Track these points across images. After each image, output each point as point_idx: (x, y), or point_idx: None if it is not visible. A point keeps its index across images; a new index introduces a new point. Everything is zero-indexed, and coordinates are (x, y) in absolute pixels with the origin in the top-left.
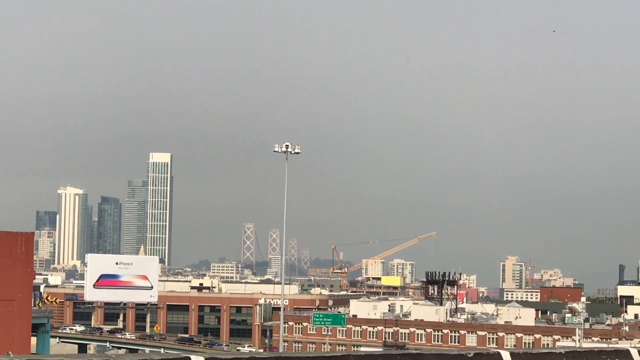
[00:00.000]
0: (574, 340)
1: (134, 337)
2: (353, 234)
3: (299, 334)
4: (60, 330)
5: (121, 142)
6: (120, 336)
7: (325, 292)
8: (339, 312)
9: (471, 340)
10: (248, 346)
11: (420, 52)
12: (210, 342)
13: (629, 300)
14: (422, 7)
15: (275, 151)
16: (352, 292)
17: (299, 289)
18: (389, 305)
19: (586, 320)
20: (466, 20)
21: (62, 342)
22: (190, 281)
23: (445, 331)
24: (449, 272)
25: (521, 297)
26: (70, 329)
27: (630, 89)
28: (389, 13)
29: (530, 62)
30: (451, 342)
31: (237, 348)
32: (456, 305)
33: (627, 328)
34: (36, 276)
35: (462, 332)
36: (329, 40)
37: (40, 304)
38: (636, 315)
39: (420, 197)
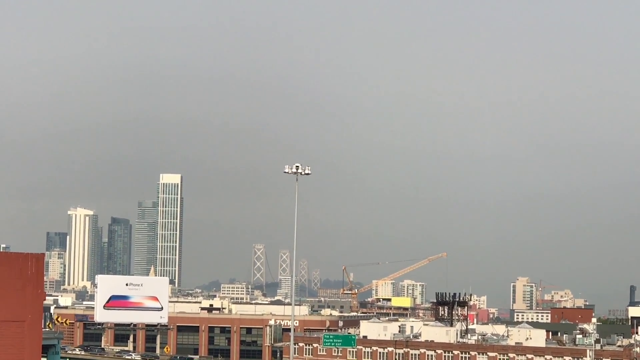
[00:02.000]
0: None
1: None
2: (363, 255)
3: (309, 355)
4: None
5: (131, 163)
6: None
7: (336, 313)
8: (349, 333)
9: None
10: None
11: (430, 75)
12: None
13: None
14: (429, 32)
15: (285, 172)
16: (362, 313)
17: (309, 310)
18: (399, 326)
19: (597, 341)
20: (472, 44)
21: None
22: (200, 302)
23: (455, 352)
24: (459, 293)
25: (532, 318)
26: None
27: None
28: (398, 38)
29: (538, 79)
30: None
31: None
32: (467, 326)
33: (638, 349)
34: (46, 297)
35: (472, 353)
36: (341, 63)
37: (50, 325)
38: None
39: (430, 218)
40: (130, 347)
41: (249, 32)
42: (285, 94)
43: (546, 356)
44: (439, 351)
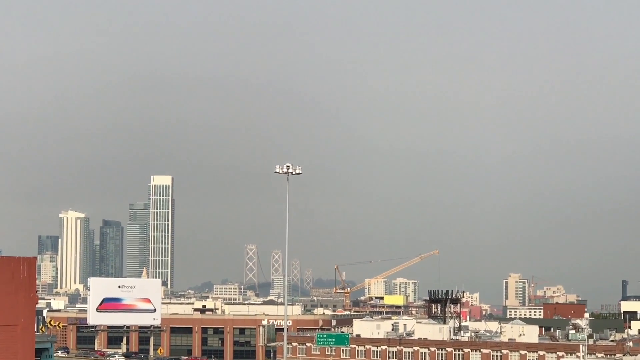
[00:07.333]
0: (578, 357)
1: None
2: (355, 253)
3: (302, 354)
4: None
5: (122, 165)
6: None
7: (329, 312)
8: (342, 332)
9: (475, 359)
10: None
11: (424, 75)
12: None
13: (633, 315)
14: (427, 32)
15: (276, 172)
16: (355, 311)
17: (302, 310)
18: (392, 325)
19: (590, 336)
20: (469, 45)
21: None
22: (193, 303)
23: (449, 349)
24: (452, 290)
25: (524, 314)
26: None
27: (633, 109)
28: (395, 37)
29: (529, 78)
30: None
31: None
32: (459, 323)
33: (631, 344)
34: (39, 301)
35: (466, 350)
36: (331, 64)
37: (43, 329)
38: None
39: (422, 215)
40: (123, 349)
41: (238, 35)
42: (275, 95)
43: (539, 352)
44: (432, 349)
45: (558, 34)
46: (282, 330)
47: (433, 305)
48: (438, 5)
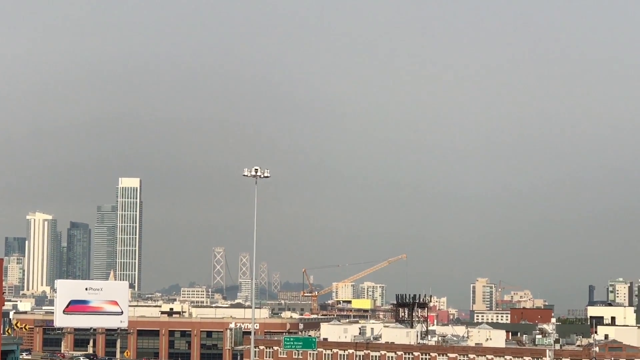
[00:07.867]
0: None
1: None
2: (323, 257)
3: (269, 358)
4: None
5: (90, 167)
6: None
7: (296, 315)
8: (309, 335)
9: None
10: None
11: (398, 77)
12: None
13: (599, 320)
14: (407, 32)
15: (244, 175)
16: (322, 315)
17: (270, 313)
18: (360, 328)
19: (556, 341)
20: (450, 41)
21: None
22: (160, 306)
23: (416, 354)
24: (420, 295)
25: (492, 319)
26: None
27: (604, 123)
28: (366, 38)
29: (495, 85)
30: None
31: None
32: (427, 327)
33: (597, 349)
34: (5, 302)
35: (433, 354)
36: (304, 63)
37: (9, 331)
38: (606, 336)
39: (390, 219)
40: (90, 351)
41: (208, 42)
42: (244, 98)
43: (506, 356)
44: (399, 353)
45: (538, 37)
46: (249, 333)
47: (400, 309)
48: (419, 7)
